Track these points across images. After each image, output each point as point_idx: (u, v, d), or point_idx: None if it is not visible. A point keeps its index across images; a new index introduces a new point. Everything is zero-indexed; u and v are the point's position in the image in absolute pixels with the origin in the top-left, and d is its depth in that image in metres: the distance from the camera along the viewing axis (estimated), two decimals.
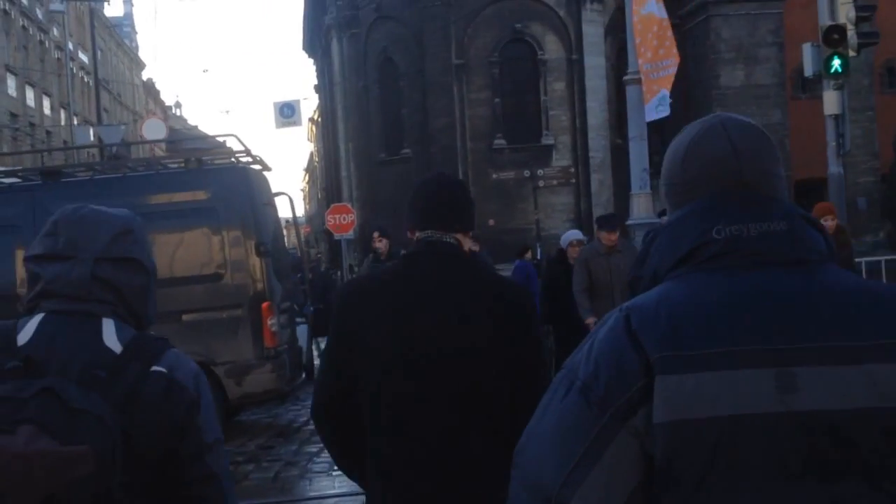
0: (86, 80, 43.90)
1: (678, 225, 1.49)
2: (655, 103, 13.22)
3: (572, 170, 25.96)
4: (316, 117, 56.39)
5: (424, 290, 2.48)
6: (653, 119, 13.40)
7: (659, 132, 16.39)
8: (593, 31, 29.64)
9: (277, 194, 9.32)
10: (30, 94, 34.62)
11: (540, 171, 25.94)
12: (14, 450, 1.52)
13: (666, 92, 13.24)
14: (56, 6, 31.41)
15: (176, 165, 8.47)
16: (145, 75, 67.28)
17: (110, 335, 1.77)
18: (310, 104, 55.37)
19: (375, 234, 9.40)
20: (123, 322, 1.82)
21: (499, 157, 28.75)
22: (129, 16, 64.74)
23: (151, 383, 1.72)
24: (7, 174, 8.37)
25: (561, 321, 8.28)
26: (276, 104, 26.58)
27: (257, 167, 8.62)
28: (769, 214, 1.45)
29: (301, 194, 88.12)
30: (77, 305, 1.78)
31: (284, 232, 11.07)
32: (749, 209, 1.45)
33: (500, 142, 29.02)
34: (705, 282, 1.41)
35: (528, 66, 29.52)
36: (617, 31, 30.25)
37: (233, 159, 8.43)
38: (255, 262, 7.90)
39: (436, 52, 29.08)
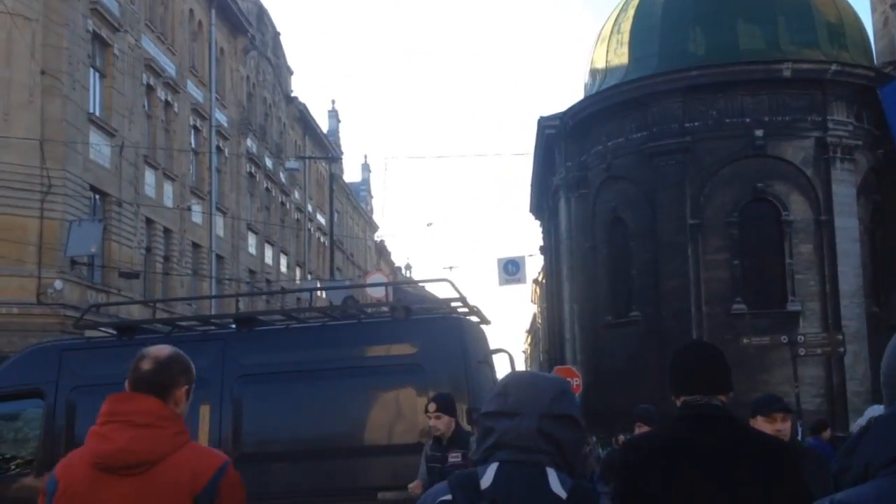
0: (322, 240, 45.83)
1: (894, 419, 1.44)
2: None
3: (840, 337, 23.07)
4: (540, 279, 55.93)
5: (701, 452, 2.71)
6: None
7: None
8: (845, 191, 27.52)
9: (496, 351, 7.99)
10: (268, 253, 36.23)
11: (800, 338, 23.17)
12: None
13: None
14: (291, 164, 33.05)
15: (383, 314, 7.42)
16: (378, 237, 70.07)
17: (555, 483, 2.06)
18: (534, 264, 55.15)
19: (432, 408, 6.10)
20: (561, 471, 2.10)
21: (738, 323, 26.46)
22: (365, 181, 68.30)
23: None
24: (200, 320, 7.67)
25: None
26: (499, 261, 26.09)
27: (474, 319, 7.42)
28: None
29: (522, 356, 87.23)
30: (525, 456, 2.08)
31: None
32: None
33: (739, 306, 26.87)
34: None
35: (770, 227, 27.58)
36: (871, 191, 28.03)
37: (446, 308, 7.28)
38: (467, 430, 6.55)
39: (669, 212, 27.79)
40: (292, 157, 34.03)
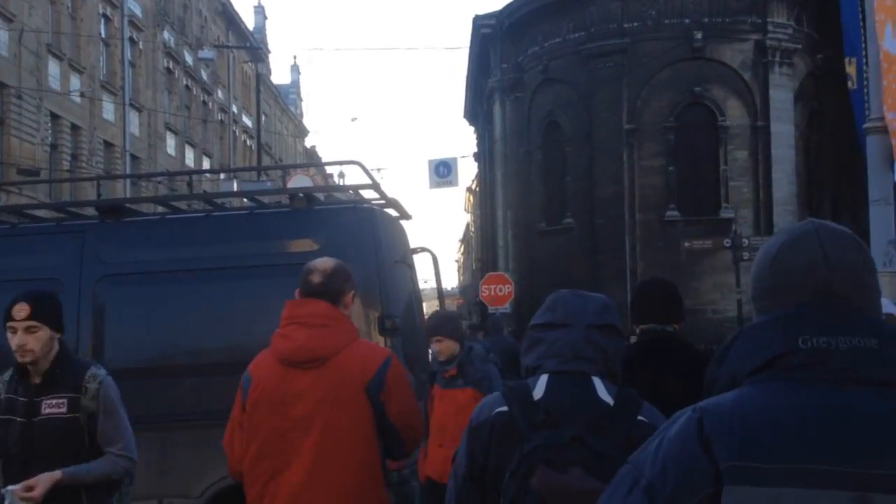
0: (248, 143, 44.09)
1: (761, 330, 1.43)
2: None
3: None
4: (473, 186, 55.16)
5: (646, 365, 3.38)
6: None
7: None
8: (782, 96, 26.95)
9: (417, 250, 7.01)
10: (189, 154, 34.56)
11: (744, 241, 22.59)
12: (574, 487, 2.00)
13: None
14: (205, 54, 31.16)
15: (281, 205, 6.35)
16: (308, 143, 68.16)
17: (601, 390, 2.23)
18: (467, 170, 54.25)
19: (21, 313, 3.45)
20: (605, 379, 2.27)
21: (671, 230, 26.07)
22: (295, 83, 65.99)
23: (639, 430, 2.07)
24: (54, 208, 6.53)
25: None
26: (430, 162, 25.04)
27: (391, 212, 6.39)
28: (859, 328, 1.37)
29: (455, 265, 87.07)
30: (572, 364, 2.25)
31: (425, 305, 8.09)
32: (838, 321, 1.38)
33: (672, 213, 26.41)
34: (785, 393, 1.34)
35: (706, 132, 26.96)
36: (808, 96, 27.55)
37: (351, 193, 6.19)
38: (379, 342, 5.44)
39: (605, 116, 26.95)
40: (207, 46, 31.99)
